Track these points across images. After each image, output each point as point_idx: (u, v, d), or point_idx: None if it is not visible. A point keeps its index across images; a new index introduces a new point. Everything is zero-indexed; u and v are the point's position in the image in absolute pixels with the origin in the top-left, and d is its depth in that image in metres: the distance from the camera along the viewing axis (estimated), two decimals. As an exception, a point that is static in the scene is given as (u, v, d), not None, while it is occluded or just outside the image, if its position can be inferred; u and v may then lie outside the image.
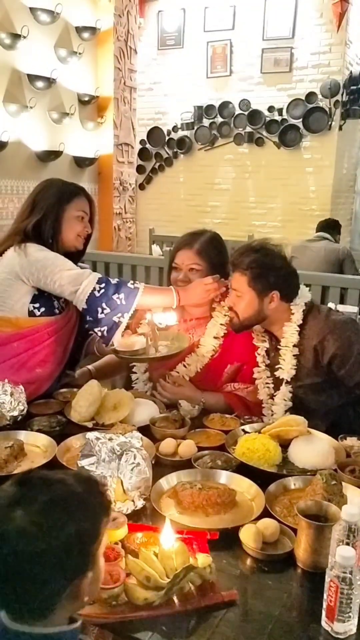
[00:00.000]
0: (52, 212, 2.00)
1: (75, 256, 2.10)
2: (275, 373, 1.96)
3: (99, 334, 1.93)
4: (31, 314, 1.99)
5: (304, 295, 1.97)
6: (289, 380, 1.93)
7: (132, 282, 1.97)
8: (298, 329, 1.91)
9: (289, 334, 1.92)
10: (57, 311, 2.03)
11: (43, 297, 2.00)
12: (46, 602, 0.85)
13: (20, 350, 1.98)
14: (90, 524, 0.89)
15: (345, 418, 1.99)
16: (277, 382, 1.97)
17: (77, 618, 0.92)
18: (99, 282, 1.91)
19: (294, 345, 1.91)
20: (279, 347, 1.96)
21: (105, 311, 1.89)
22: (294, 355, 1.91)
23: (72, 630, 0.89)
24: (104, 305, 1.89)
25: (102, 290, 1.89)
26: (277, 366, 1.96)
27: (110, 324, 1.90)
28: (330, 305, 2.80)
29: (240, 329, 1.98)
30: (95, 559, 0.91)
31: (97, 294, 1.89)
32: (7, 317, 1.98)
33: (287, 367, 1.92)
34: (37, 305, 1.99)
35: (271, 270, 1.90)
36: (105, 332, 1.92)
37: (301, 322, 1.91)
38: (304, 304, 1.94)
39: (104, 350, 2.17)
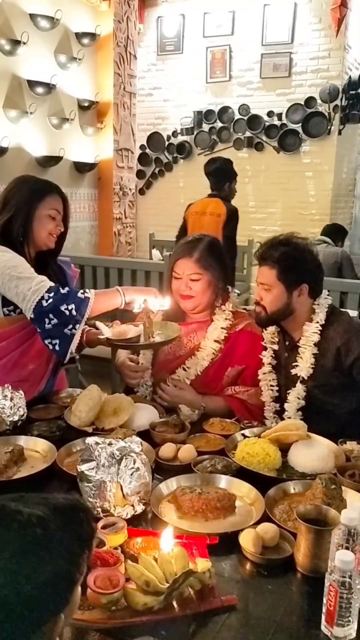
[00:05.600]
0: (23, 210, 1.94)
1: (48, 255, 2.07)
2: (292, 371, 1.96)
3: (50, 347, 1.81)
4: (8, 315, 1.94)
5: (326, 298, 1.99)
6: (305, 378, 1.94)
7: (82, 290, 1.87)
8: (320, 328, 1.92)
9: (310, 333, 1.93)
10: None
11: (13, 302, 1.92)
12: None
13: (9, 350, 1.96)
14: (67, 565, 0.82)
15: (355, 422, 1.98)
16: (289, 382, 1.98)
17: None
18: (49, 291, 1.81)
19: (315, 344, 1.92)
20: (298, 344, 1.96)
21: (52, 322, 1.79)
22: (313, 354, 1.92)
23: None
24: (51, 316, 1.79)
25: (51, 300, 1.79)
26: (293, 364, 1.96)
27: (60, 336, 1.80)
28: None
29: (267, 324, 2.00)
30: (70, 598, 0.83)
31: (45, 304, 1.79)
32: None
33: (305, 366, 1.93)
34: (10, 307, 1.92)
35: (301, 263, 1.92)
36: (57, 346, 1.81)
37: (324, 322, 1.93)
38: (327, 305, 1.96)
39: (92, 341, 2.11)
